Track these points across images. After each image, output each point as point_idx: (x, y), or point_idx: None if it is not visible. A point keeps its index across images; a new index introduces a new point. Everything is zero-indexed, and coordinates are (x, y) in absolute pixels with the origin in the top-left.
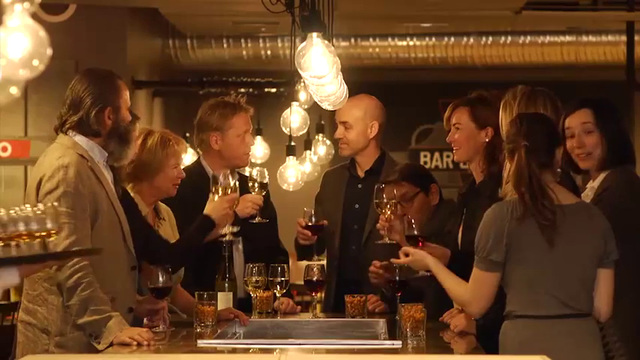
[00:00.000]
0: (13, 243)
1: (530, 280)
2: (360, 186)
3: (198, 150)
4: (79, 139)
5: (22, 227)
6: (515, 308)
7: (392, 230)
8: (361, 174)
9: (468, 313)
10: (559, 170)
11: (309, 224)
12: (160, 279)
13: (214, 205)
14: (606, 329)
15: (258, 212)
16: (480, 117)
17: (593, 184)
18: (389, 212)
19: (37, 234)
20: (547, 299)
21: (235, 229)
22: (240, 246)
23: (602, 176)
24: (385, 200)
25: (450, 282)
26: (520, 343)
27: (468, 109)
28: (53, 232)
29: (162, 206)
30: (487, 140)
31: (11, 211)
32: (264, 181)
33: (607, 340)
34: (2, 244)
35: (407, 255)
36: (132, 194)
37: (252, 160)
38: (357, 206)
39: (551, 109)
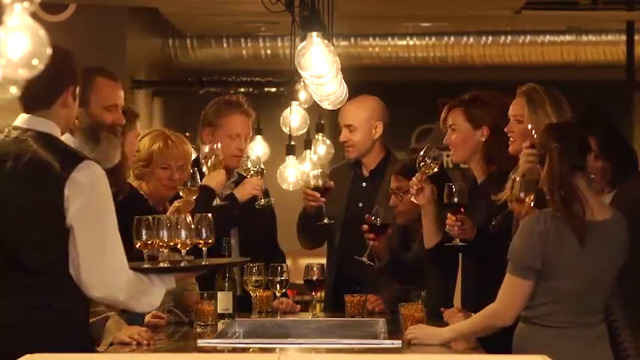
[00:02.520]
0: (165, 251)
1: (561, 291)
2: (364, 185)
3: (200, 145)
4: (66, 137)
5: (183, 235)
6: (537, 315)
7: (420, 194)
8: (366, 173)
9: (499, 324)
10: (592, 176)
11: (318, 186)
12: None
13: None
14: (621, 329)
15: (261, 194)
16: (474, 117)
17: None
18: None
19: (190, 242)
20: (574, 309)
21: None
22: (234, 240)
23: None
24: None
25: (475, 322)
26: (538, 349)
27: (462, 110)
28: (210, 241)
29: None
30: (483, 140)
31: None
32: (261, 167)
33: (622, 339)
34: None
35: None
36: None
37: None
38: (360, 205)
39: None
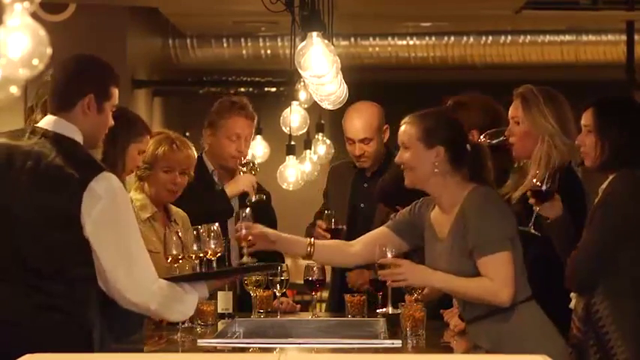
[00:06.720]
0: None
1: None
2: (366, 185)
3: (204, 145)
4: None
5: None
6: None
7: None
8: (368, 174)
9: (500, 303)
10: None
11: (330, 227)
12: None
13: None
14: (607, 326)
15: (253, 191)
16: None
17: (603, 186)
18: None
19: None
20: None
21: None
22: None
23: (609, 178)
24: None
25: (462, 284)
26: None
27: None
28: (218, 251)
29: (177, 212)
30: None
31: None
32: (254, 164)
33: (609, 337)
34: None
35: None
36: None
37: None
38: (362, 205)
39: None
